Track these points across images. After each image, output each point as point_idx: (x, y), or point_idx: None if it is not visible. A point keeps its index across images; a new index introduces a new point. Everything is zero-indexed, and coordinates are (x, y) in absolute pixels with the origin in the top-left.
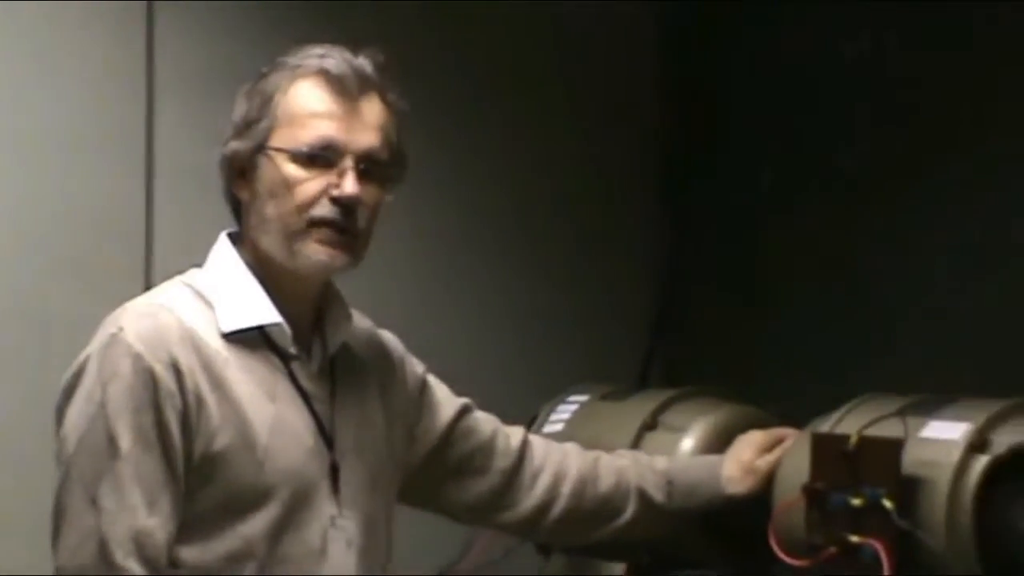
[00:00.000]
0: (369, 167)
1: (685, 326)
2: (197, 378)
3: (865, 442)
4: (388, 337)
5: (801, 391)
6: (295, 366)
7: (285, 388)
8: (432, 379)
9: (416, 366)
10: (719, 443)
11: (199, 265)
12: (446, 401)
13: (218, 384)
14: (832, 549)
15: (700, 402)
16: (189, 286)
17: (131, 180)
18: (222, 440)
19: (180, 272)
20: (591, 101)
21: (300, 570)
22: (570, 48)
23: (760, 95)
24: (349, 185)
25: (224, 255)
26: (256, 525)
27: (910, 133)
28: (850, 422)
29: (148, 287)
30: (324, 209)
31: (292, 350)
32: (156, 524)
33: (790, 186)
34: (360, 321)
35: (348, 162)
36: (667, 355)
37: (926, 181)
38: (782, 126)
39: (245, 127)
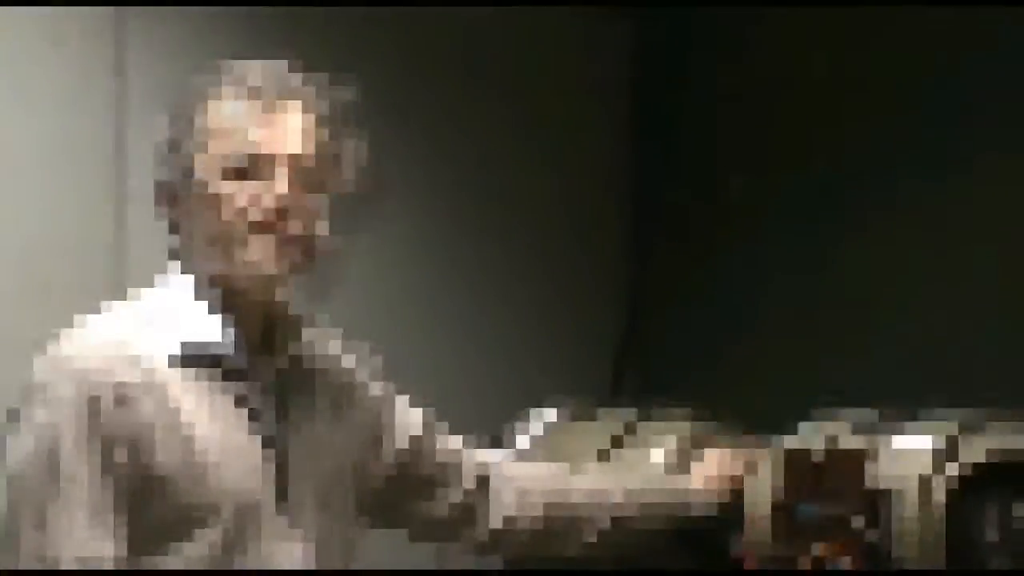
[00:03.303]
0: (299, 171)
1: (653, 341)
2: (140, 398)
3: (833, 455)
4: (349, 356)
5: (769, 405)
6: (241, 384)
7: (230, 406)
8: (396, 399)
9: (377, 386)
10: (689, 458)
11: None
12: (408, 421)
13: (161, 404)
14: (802, 561)
15: (669, 418)
16: (134, 306)
17: (101, 201)
18: (165, 460)
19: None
20: (560, 117)
21: None
22: (543, 62)
23: (730, 108)
24: (278, 188)
25: (170, 274)
26: (201, 545)
27: (880, 144)
28: (818, 435)
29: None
30: (257, 216)
31: (238, 368)
32: (103, 547)
33: (760, 199)
34: (319, 338)
35: (276, 168)
36: (636, 371)
37: (898, 195)
38: (752, 139)
39: (170, 151)
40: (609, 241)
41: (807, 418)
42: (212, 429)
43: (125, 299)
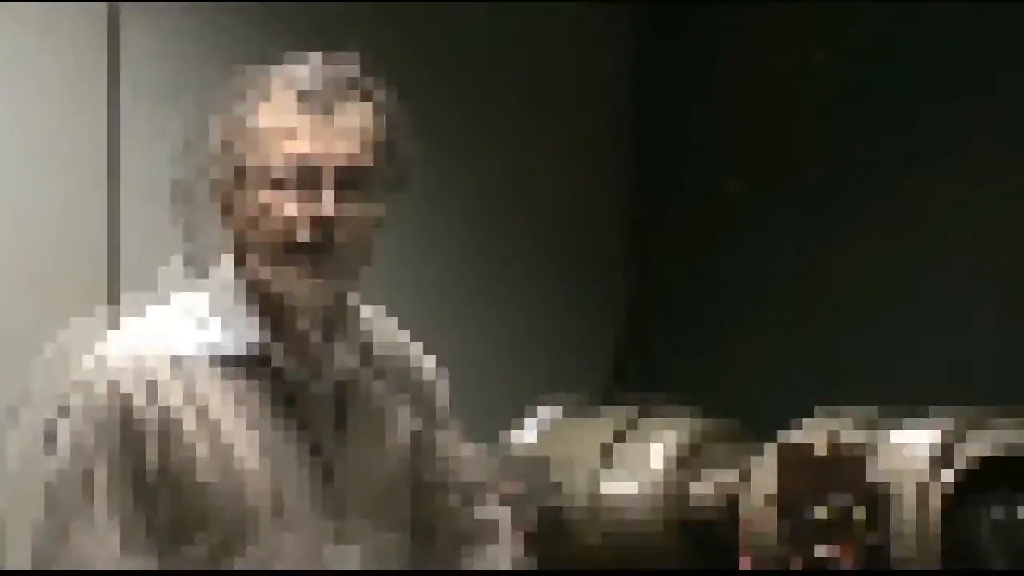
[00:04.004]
0: (351, 178)
1: (654, 339)
2: (177, 405)
3: (832, 452)
4: (415, 353)
5: (769, 402)
6: (292, 386)
7: (278, 410)
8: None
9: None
10: (690, 454)
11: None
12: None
13: (199, 410)
14: (800, 558)
15: (670, 414)
16: (179, 306)
17: (94, 194)
18: (200, 468)
19: (145, 289)
20: (561, 116)
21: None
22: (544, 62)
23: (729, 107)
24: (327, 206)
25: (217, 272)
26: (241, 551)
27: (880, 143)
28: (817, 433)
29: (112, 304)
30: (304, 233)
31: (288, 369)
32: (131, 556)
33: (758, 199)
34: (384, 328)
35: (326, 179)
36: (636, 368)
37: (897, 194)
38: (751, 138)
39: (217, 153)
40: (610, 239)
41: (808, 415)
42: (254, 434)
43: (121, 298)
